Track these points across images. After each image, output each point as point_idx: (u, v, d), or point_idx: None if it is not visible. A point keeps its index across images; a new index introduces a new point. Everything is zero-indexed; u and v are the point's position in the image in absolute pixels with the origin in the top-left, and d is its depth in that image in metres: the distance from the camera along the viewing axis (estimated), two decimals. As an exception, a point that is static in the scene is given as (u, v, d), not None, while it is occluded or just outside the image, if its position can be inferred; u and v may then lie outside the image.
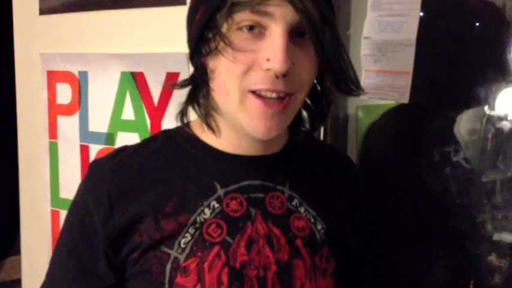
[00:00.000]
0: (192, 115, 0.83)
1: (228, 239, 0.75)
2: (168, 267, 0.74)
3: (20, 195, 1.67)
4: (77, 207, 0.81)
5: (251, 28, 0.69)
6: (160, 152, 0.82)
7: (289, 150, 0.84)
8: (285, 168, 0.82)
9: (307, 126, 0.85)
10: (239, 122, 0.73)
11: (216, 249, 0.74)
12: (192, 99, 0.80)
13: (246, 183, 0.78)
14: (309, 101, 0.82)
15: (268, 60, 0.67)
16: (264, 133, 0.71)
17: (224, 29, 0.69)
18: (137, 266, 0.76)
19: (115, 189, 0.78)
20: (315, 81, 0.77)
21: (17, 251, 1.73)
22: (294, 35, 0.69)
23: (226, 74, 0.71)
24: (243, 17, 0.68)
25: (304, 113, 0.85)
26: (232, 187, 0.77)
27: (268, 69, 0.68)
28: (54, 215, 1.57)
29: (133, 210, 0.76)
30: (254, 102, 0.70)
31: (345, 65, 0.73)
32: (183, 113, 0.82)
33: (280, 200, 0.79)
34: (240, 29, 0.69)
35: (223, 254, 0.74)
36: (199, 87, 0.79)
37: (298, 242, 0.77)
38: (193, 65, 0.78)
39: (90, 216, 0.78)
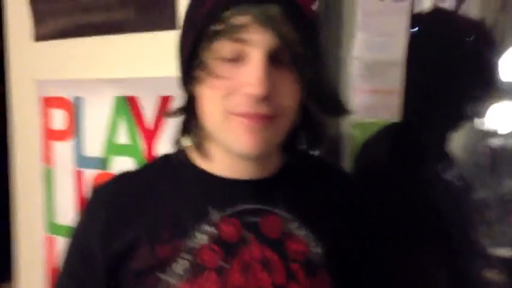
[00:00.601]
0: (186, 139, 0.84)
1: (223, 264, 0.74)
2: None
3: (14, 221, 1.67)
4: (77, 234, 0.83)
5: (230, 55, 0.70)
6: (158, 177, 0.83)
7: (286, 173, 0.84)
8: (281, 191, 0.81)
9: (304, 147, 0.85)
10: (226, 143, 0.74)
11: (211, 274, 0.74)
12: (184, 128, 0.82)
13: (241, 207, 0.78)
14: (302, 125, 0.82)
15: (248, 85, 0.68)
16: (250, 148, 0.71)
17: (205, 57, 0.71)
18: None
19: (113, 214, 0.79)
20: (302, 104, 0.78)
21: (9, 278, 1.72)
22: (275, 59, 0.69)
23: (208, 100, 0.72)
24: (222, 45, 0.69)
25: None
26: (227, 211, 0.77)
27: (247, 94, 0.68)
28: (49, 242, 1.56)
29: (130, 236, 0.77)
30: (238, 120, 0.71)
31: (327, 87, 0.75)
32: (177, 141, 0.83)
33: (276, 223, 0.78)
34: (220, 56, 0.70)
35: (218, 280, 0.74)
36: (190, 115, 0.80)
37: (295, 266, 0.77)
38: (184, 93, 0.79)
39: (90, 242, 0.79)
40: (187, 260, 0.74)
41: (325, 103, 0.75)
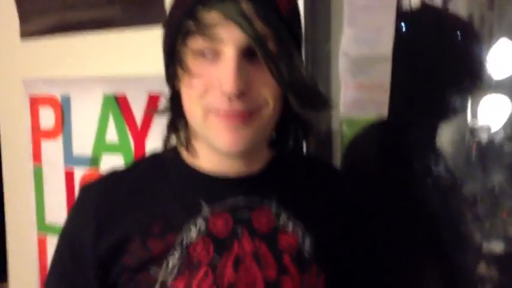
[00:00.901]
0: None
1: (215, 258, 0.75)
2: (157, 287, 0.74)
3: (5, 221, 1.66)
4: (67, 231, 0.84)
5: (205, 53, 0.70)
6: (147, 174, 0.83)
7: (275, 167, 0.84)
8: (271, 185, 0.82)
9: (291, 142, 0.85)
10: (208, 140, 0.75)
11: (203, 268, 0.74)
12: (171, 126, 0.82)
13: (231, 201, 0.78)
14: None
15: (220, 82, 0.69)
16: (230, 146, 0.71)
17: (182, 54, 0.72)
18: (127, 287, 0.76)
19: (103, 212, 0.79)
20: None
21: (4, 279, 1.71)
22: (249, 54, 0.69)
23: (187, 98, 0.73)
24: (196, 43, 0.70)
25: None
26: (217, 206, 0.78)
27: (222, 91, 0.69)
28: (41, 241, 1.56)
29: (121, 231, 0.77)
30: (216, 118, 0.71)
31: (303, 81, 0.72)
32: (166, 140, 0.84)
33: (267, 217, 0.79)
34: (196, 54, 0.70)
35: (210, 274, 0.74)
36: (176, 113, 0.80)
37: (286, 259, 0.77)
38: (169, 91, 0.80)
39: (80, 240, 0.79)
40: (180, 254, 0.75)
41: (303, 98, 0.73)
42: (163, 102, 0.82)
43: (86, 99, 1.42)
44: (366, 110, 1.06)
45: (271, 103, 0.73)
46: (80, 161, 1.45)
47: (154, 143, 1.31)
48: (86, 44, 1.41)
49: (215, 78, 0.69)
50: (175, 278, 0.74)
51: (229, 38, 0.68)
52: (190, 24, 0.69)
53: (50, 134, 1.50)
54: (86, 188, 0.85)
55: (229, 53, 0.68)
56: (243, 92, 0.69)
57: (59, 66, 1.47)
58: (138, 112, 1.34)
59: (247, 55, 0.69)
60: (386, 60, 1.02)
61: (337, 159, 1.24)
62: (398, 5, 1.02)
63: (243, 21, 0.66)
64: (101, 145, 1.41)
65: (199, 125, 0.74)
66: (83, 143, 1.44)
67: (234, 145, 0.71)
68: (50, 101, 1.48)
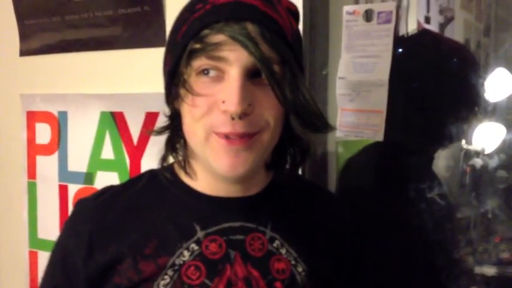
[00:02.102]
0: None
1: (207, 282, 0.74)
2: None
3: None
4: (60, 246, 0.83)
5: (208, 72, 0.70)
6: (143, 193, 0.82)
7: (271, 191, 0.84)
8: (267, 209, 0.81)
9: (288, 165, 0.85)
10: (207, 162, 0.74)
11: None
12: (169, 146, 0.82)
13: (226, 225, 0.78)
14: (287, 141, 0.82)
15: (224, 102, 0.68)
16: (229, 170, 0.71)
17: (186, 75, 0.72)
18: None
19: (96, 229, 0.78)
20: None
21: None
22: (253, 75, 0.70)
23: (190, 118, 0.73)
24: (200, 63, 0.70)
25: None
26: (212, 229, 0.77)
27: (225, 111, 0.69)
28: (33, 256, 1.54)
29: (114, 250, 0.76)
30: (217, 141, 0.71)
31: (306, 103, 0.72)
32: (163, 159, 0.83)
33: (260, 241, 0.78)
34: (199, 74, 0.71)
35: None
36: (174, 133, 0.80)
37: (278, 285, 0.76)
38: (169, 111, 0.80)
39: (72, 256, 0.78)
40: (171, 277, 0.74)
41: (307, 120, 0.74)
42: (162, 121, 0.82)
43: (83, 116, 1.42)
44: (361, 134, 1.07)
45: (272, 125, 0.73)
46: (75, 177, 1.45)
47: (150, 161, 1.31)
48: (84, 62, 1.42)
49: (219, 98, 0.69)
50: None
51: (235, 59, 0.68)
52: (195, 45, 0.69)
53: (46, 150, 1.50)
54: (81, 203, 0.84)
55: (234, 73, 0.68)
56: (246, 113, 0.69)
57: (57, 82, 1.47)
58: (135, 130, 1.34)
59: (250, 76, 0.70)
60: (382, 85, 1.03)
61: (333, 181, 1.25)
62: (395, 31, 1.03)
63: (248, 42, 0.67)
64: (96, 162, 1.41)
65: (200, 145, 0.73)
66: (79, 160, 1.44)
67: (233, 169, 0.71)
68: (47, 117, 1.49)
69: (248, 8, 0.69)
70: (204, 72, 0.70)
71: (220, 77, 0.70)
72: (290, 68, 0.71)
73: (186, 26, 0.71)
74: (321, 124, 0.76)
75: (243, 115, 0.68)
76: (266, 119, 0.72)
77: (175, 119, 0.78)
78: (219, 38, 0.68)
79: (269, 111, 0.72)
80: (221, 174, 0.73)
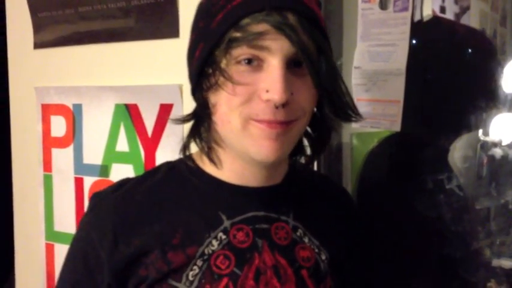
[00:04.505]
0: (193, 147, 0.84)
1: (236, 270, 0.75)
2: None
3: (14, 229, 1.66)
4: (80, 241, 0.81)
5: (249, 61, 0.70)
6: (163, 184, 0.82)
7: (291, 180, 0.85)
8: (288, 199, 0.82)
9: (307, 154, 0.86)
10: (243, 149, 0.74)
11: (224, 281, 0.74)
12: (194, 134, 0.81)
13: (251, 214, 0.78)
14: (309, 129, 0.83)
15: (267, 91, 0.69)
16: (269, 154, 0.72)
17: (223, 64, 0.71)
18: None
19: (119, 222, 0.78)
20: (315, 108, 0.79)
21: (11, 287, 1.71)
22: (291, 65, 0.71)
23: (227, 106, 0.72)
24: (241, 52, 0.70)
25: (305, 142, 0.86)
26: (238, 218, 0.78)
27: (268, 100, 0.69)
28: (49, 249, 1.56)
29: (139, 243, 0.76)
30: (258, 126, 0.71)
31: (342, 92, 0.75)
32: (185, 147, 0.83)
33: (285, 230, 0.79)
34: (239, 62, 0.71)
35: (231, 286, 0.74)
36: (201, 122, 0.80)
37: (304, 273, 0.78)
38: (196, 100, 0.79)
39: (95, 250, 0.77)
40: (201, 266, 0.74)
41: (341, 109, 0.76)
42: (177, 111, 0.82)
43: (98, 108, 1.42)
44: (378, 124, 1.06)
45: (307, 114, 0.75)
46: (90, 169, 1.45)
47: (164, 153, 1.32)
48: (98, 54, 1.42)
49: (260, 87, 0.70)
50: None
51: (277, 48, 0.69)
52: (236, 33, 0.69)
53: (61, 142, 1.50)
54: (99, 197, 0.83)
55: (276, 62, 0.69)
56: (288, 102, 0.70)
57: (71, 75, 1.48)
58: (149, 122, 1.34)
59: (289, 65, 0.70)
60: (399, 74, 1.02)
61: (347, 172, 1.24)
62: (412, 19, 1.01)
63: (291, 32, 0.68)
64: (111, 154, 1.41)
65: (236, 133, 0.73)
66: (94, 152, 1.44)
67: (271, 154, 0.72)
68: (62, 110, 1.49)
69: None
70: (245, 61, 0.70)
71: (259, 65, 0.71)
72: (326, 57, 0.72)
73: (223, 13, 0.71)
74: (352, 113, 0.77)
75: (285, 104, 0.69)
76: (303, 107, 0.73)
77: (204, 107, 0.77)
78: (261, 27, 0.68)
79: (306, 100, 0.73)
80: (258, 159, 0.73)
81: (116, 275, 0.76)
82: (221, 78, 0.71)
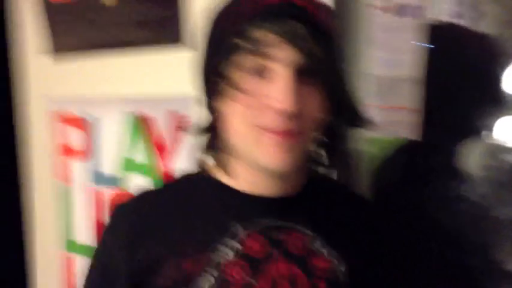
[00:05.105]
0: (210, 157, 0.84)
1: (252, 281, 0.74)
2: None
3: (33, 241, 1.68)
4: (100, 251, 0.85)
5: (257, 71, 0.71)
6: (181, 195, 0.84)
7: (309, 191, 0.84)
8: (305, 209, 0.81)
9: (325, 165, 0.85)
10: (254, 159, 0.74)
11: None
12: (209, 145, 0.83)
13: (265, 223, 0.78)
14: (324, 138, 0.83)
15: (277, 101, 0.69)
16: (280, 164, 0.72)
17: (229, 73, 0.72)
18: None
19: (136, 230, 0.80)
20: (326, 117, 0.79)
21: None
22: (300, 74, 0.71)
23: (237, 116, 0.73)
24: (248, 61, 0.71)
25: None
26: (252, 228, 0.77)
27: (277, 110, 0.69)
28: (69, 261, 1.57)
29: (154, 252, 0.77)
30: (269, 136, 0.71)
31: (351, 100, 0.76)
32: (201, 158, 0.84)
33: (301, 240, 0.78)
34: (246, 72, 0.71)
35: None
36: (215, 133, 0.81)
37: (321, 284, 0.76)
38: (208, 111, 0.80)
39: (112, 258, 0.80)
40: (213, 275, 0.74)
41: (350, 116, 0.76)
42: (194, 123, 0.83)
43: (115, 120, 1.44)
44: (388, 131, 1.05)
45: (317, 124, 0.74)
46: (108, 181, 1.47)
47: (180, 163, 1.33)
48: (112, 65, 1.43)
49: (270, 97, 0.70)
50: None
51: (285, 57, 0.69)
52: (241, 42, 0.70)
53: (78, 154, 1.52)
54: (119, 208, 0.85)
55: (285, 73, 0.69)
56: (298, 112, 0.70)
57: (87, 85, 1.49)
58: (167, 133, 1.35)
59: (297, 76, 0.70)
60: (410, 81, 1.01)
61: (358, 178, 1.23)
62: (424, 24, 1.01)
63: (299, 42, 0.68)
64: (129, 166, 1.43)
65: (245, 142, 0.74)
66: (111, 164, 1.46)
67: (282, 164, 0.72)
68: (78, 121, 1.51)
69: (296, 7, 0.70)
70: (252, 70, 0.71)
71: (266, 75, 0.71)
72: (335, 65, 0.73)
73: (231, 23, 0.72)
74: (363, 120, 0.78)
75: (296, 114, 0.69)
76: (313, 117, 0.73)
77: (215, 118, 0.79)
78: (269, 36, 0.69)
79: (316, 109, 0.73)
80: (270, 169, 0.73)
81: (132, 283, 0.77)
82: (229, 88, 0.72)
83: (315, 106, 0.73)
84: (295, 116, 0.70)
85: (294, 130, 0.71)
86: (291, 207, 0.81)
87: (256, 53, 0.69)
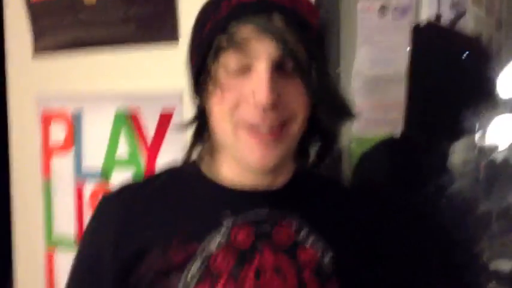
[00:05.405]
0: (195, 152, 0.85)
1: (235, 270, 0.75)
2: None
3: (13, 236, 1.66)
4: (85, 245, 0.85)
5: (237, 66, 0.72)
6: (166, 187, 0.83)
7: (297, 182, 0.85)
8: (293, 200, 0.82)
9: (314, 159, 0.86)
10: (238, 155, 0.75)
11: (223, 280, 0.74)
12: (195, 140, 0.83)
13: (252, 215, 0.79)
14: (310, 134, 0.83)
15: (254, 94, 0.70)
16: (259, 162, 0.73)
17: (213, 71, 0.73)
18: None
19: (121, 222, 0.80)
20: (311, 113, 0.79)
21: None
22: (280, 68, 0.71)
23: (218, 112, 0.74)
24: (228, 58, 0.71)
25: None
26: (239, 219, 0.78)
27: (255, 103, 0.70)
28: (49, 255, 1.55)
29: (140, 243, 0.78)
30: (247, 134, 0.72)
31: (333, 92, 0.76)
32: (188, 153, 0.84)
33: (287, 231, 0.79)
34: (227, 68, 0.72)
35: (232, 284, 0.74)
36: (201, 128, 0.82)
37: (306, 274, 0.77)
38: (195, 107, 0.81)
39: (98, 251, 0.80)
40: (201, 265, 0.75)
41: (333, 109, 0.76)
42: (178, 118, 0.83)
43: (98, 115, 1.42)
44: (378, 129, 1.07)
45: (300, 116, 0.75)
46: (90, 176, 1.45)
47: (165, 160, 1.32)
48: (99, 60, 1.42)
49: (247, 91, 0.71)
50: (195, 287, 0.75)
51: (262, 51, 0.70)
52: (222, 38, 0.70)
53: (61, 148, 1.50)
54: (104, 200, 0.86)
55: (262, 66, 0.70)
56: (275, 104, 0.70)
57: (71, 81, 1.48)
58: (150, 128, 1.35)
59: (278, 68, 0.71)
60: (399, 79, 1.03)
61: (346, 178, 1.24)
62: (411, 25, 1.03)
63: (276, 35, 0.68)
64: (111, 160, 1.41)
65: (229, 140, 0.75)
66: (94, 158, 1.44)
67: (263, 161, 0.73)
68: (62, 116, 1.49)
69: (274, 3, 0.70)
70: (232, 66, 0.71)
71: (247, 70, 0.71)
72: (316, 58, 0.72)
73: (211, 21, 0.72)
74: (346, 113, 0.78)
75: (273, 106, 0.70)
76: (294, 109, 0.73)
77: (202, 113, 0.79)
78: (246, 32, 0.69)
79: (296, 102, 0.73)
80: (252, 167, 0.74)
81: (118, 274, 0.78)
82: (211, 85, 0.73)
83: (295, 99, 0.73)
84: (273, 109, 0.70)
85: (271, 126, 0.71)
86: (279, 198, 0.81)
87: (237, 48, 0.70)
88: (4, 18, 1.59)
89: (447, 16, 1.13)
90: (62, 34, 1.47)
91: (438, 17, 1.13)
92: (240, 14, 0.70)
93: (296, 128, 0.75)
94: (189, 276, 0.75)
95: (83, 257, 0.84)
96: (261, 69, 0.70)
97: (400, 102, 1.04)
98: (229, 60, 0.71)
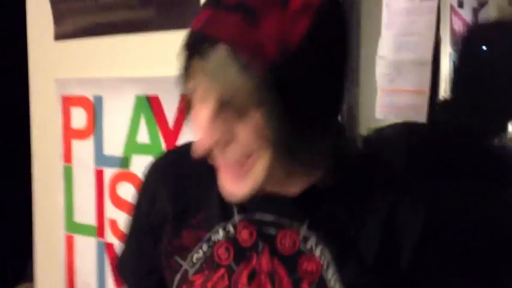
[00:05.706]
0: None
1: (233, 265, 0.75)
2: (178, 277, 0.77)
3: (34, 220, 1.67)
4: (134, 209, 0.90)
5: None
6: (204, 162, 0.76)
7: (313, 192, 0.76)
8: (305, 208, 0.76)
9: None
10: None
11: (221, 271, 0.75)
12: None
13: (260, 216, 0.77)
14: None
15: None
16: (228, 196, 0.71)
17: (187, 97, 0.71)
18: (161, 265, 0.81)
19: (159, 185, 0.83)
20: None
21: (28, 279, 1.73)
22: (225, 103, 0.63)
23: None
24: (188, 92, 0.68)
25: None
26: (246, 216, 0.77)
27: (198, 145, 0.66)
28: (68, 240, 1.57)
29: (168, 210, 0.80)
30: (217, 168, 0.70)
31: (308, 104, 0.64)
32: None
33: (292, 239, 0.75)
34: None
35: (226, 278, 0.75)
36: None
37: (304, 286, 0.73)
38: None
39: (141, 211, 0.86)
40: (205, 252, 0.77)
41: (287, 151, 0.66)
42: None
43: (118, 100, 1.43)
44: (403, 115, 1.04)
45: (264, 149, 0.65)
46: (111, 161, 1.46)
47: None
48: (119, 45, 1.43)
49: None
50: (195, 273, 0.77)
51: (202, 91, 0.64)
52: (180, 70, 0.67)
53: (82, 134, 1.51)
54: (150, 165, 0.88)
55: (201, 108, 0.65)
56: (222, 143, 0.65)
57: (91, 66, 1.48)
58: (170, 113, 1.35)
59: (221, 105, 0.64)
60: (425, 64, 1.01)
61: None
62: (438, 8, 1.00)
63: (215, 75, 0.61)
64: (132, 146, 1.42)
65: None
66: (114, 144, 1.45)
67: (231, 195, 0.70)
68: (82, 101, 1.50)
69: (223, 28, 0.62)
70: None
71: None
72: (264, 103, 0.62)
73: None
74: (307, 156, 0.68)
75: (216, 146, 0.65)
76: (251, 144, 0.65)
77: None
78: (190, 67, 0.65)
79: (255, 136, 0.64)
80: (227, 199, 0.72)
81: (152, 232, 0.82)
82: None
83: (254, 134, 0.64)
84: (220, 147, 0.65)
85: (232, 159, 0.66)
86: (290, 205, 0.76)
87: (183, 82, 0.66)
88: (26, 3, 1.60)
89: (469, 5, 1.11)
90: (82, 19, 1.47)
91: (460, 3, 1.10)
92: (188, 41, 0.65)
93: (264, 161, 0.66)
94: (194, 260, 0.77)
95: (133, 225, 0.90)
96: (202, 109, 0.64)
97: (425, 87, 1.01)
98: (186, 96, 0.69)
